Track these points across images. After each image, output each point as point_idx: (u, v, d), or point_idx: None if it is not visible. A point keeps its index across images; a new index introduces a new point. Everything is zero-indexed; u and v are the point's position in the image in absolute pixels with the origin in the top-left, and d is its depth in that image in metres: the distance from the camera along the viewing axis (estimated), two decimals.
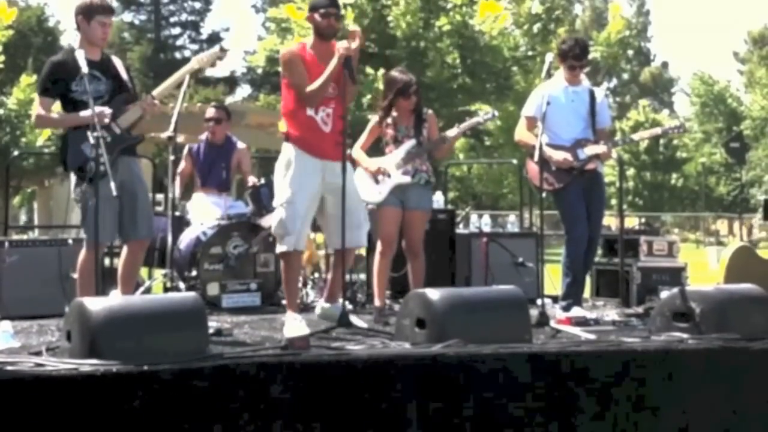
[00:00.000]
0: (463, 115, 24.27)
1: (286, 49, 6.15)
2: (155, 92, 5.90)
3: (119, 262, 5.91)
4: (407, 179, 6.71)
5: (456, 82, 23.70)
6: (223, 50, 6.70)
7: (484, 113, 7.43)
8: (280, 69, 6.07)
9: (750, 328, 5.09)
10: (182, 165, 8.21)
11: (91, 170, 5.44)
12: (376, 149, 6.95)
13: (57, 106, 5.77)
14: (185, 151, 8.30)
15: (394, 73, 6.90)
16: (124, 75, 5.87)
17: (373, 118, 6.94)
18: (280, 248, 5.87)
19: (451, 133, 6.89)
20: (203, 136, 8.31)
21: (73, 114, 5.59)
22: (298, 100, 5.85)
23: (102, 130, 5.30)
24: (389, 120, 6.80)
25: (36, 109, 5.83)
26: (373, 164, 6.75)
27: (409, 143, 6.74)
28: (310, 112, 5.85)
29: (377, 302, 6.67)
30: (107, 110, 5.56)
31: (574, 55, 6.88)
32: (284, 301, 7.51)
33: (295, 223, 5.76)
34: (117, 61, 5.95)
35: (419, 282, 6.59)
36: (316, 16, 5.87)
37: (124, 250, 5.89)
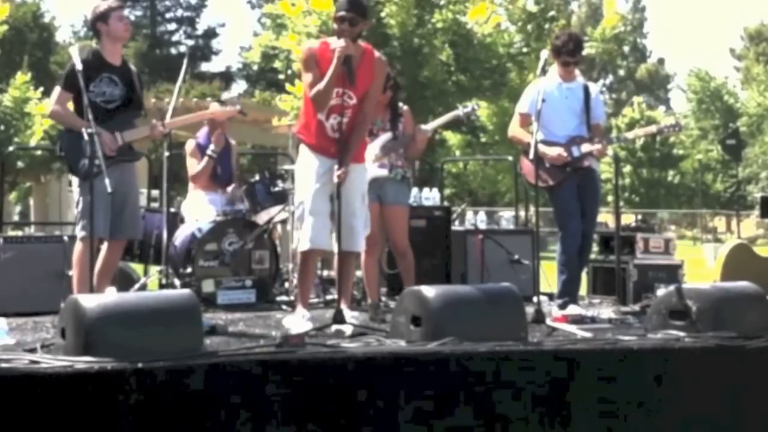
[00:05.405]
0: None
1: (305, 47, 6.08)
2: (167, 122, 6.13)
3: (99, 258, 5.89)
4: (384, 172, 6.66)
5: (451, 80, 23.63)
6: (242, 113, 6.88)
7: (463, 107, 7.31)
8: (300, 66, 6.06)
9: (747, 326, 5.07)
10: (195, 162, 8.13)
11: (84, 167, 5.56)
12: None
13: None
14: (191, 147, 8.18)
15: None
16: (138, 87, 6.02)
17: None
18: (300, 246, 5.86)
19: (427, 126, 6.86)
20: (201, 132, 8.26)
21: (86, 122, 5.55)
22: (311, 102, 5.80)
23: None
24: None
25: (53, 101, 5.90)
26: None
27: (385, 136, 6.69)
28: (320, 116, 5.79)
29: (371, 299, 6.66)
30: (115, 140, 5.79)
31: (568, 51, 6.82)
32: (281, 297, 7.56)
33: (314, 221, 5.75)
34: (134, 71, 6.09)
35: (411, 281, 6.54)
36: (334, 20, 5.74)
37: (104, 246, 5.94)
